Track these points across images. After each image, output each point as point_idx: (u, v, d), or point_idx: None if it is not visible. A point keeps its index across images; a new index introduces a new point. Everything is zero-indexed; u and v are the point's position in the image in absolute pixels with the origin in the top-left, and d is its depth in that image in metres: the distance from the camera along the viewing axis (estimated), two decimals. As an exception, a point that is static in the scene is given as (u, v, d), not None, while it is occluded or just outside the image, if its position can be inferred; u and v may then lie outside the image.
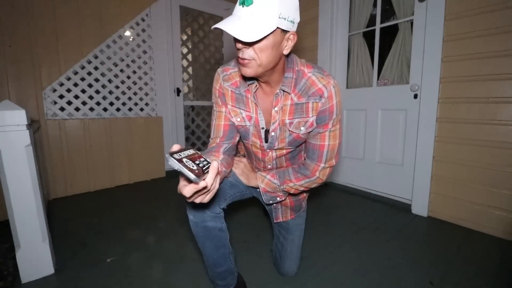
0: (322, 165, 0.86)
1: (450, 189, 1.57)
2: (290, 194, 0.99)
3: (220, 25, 0.63)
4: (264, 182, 0.92)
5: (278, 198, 0.94)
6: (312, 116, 0.82)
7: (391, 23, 1.91)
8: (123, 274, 1.12)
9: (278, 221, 1.06)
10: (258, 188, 0.94)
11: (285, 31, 0.68)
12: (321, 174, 0.87)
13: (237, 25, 0.62)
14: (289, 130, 0.85)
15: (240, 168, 0.97)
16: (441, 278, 1.08)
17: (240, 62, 0.71)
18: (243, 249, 1.31)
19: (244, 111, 0.87)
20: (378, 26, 1.95)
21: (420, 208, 1.70)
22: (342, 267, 1.16)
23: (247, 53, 0.68)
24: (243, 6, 0.64)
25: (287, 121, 0.84)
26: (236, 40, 0.66)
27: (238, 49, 0.69)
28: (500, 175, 1.38)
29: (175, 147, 0.54)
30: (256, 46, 0.67)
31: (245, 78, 0.83)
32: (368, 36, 2.06)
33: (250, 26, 0.62)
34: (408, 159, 1.84)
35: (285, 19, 0.65)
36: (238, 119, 0.89)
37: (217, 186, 0.60)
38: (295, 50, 0.80)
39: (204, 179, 0.53)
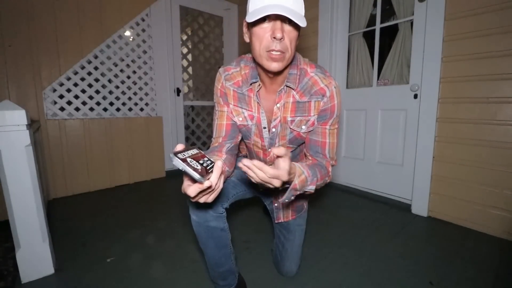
0: (330, 161, 0.87)
1: (450, 189, 1.57)
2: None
3: (271, 10, 0.62)
4: (300, 178, 0.72)
5: (293, 197, 0.76)
6: (314, 115, 0.82)
7: (391, 23, 1.91)
8: (123, 274, 1.12)
9: (279, 221, 1.06)
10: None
11: None
12: (331, 171, 0.87)
13: (287, 12, 0.62)
14: (290, 128, 0.85)
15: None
16: (441, 278, 1.08)
17: (272, 57, 0.69)
18: (244, 249, 1.31)
19: (247, 110, 0.87)
20: (378, 26, 1.95)
21: (420, 208, 1.70)
22: (342, 267, 1.16)
23: (284, 43, 0.68)
24: None
25: (289, 119, 0.84)
26: (277, 28, 0.65)
27: (275, 39, 0.66)
28: (500, 175, 1.38)
29: (179, 147, 0.54)
30: (290, 36, 0.69)
31: (246, 72, 0.84)
32: (368, 36, 2.06)
33: (296, 13, 0.64)
34: (408, 159, 1.84)
35: (304, 9, 0.69)
36: (240, 119, 0.89)
37: (221, 185, 0.60)
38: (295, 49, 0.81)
39: (208, 179, 0.53)
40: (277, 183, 0.60)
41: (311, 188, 0.76)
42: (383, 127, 2.00)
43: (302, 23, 0.64)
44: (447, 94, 1.54)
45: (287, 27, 0.68)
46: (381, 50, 1.97)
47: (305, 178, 0.73)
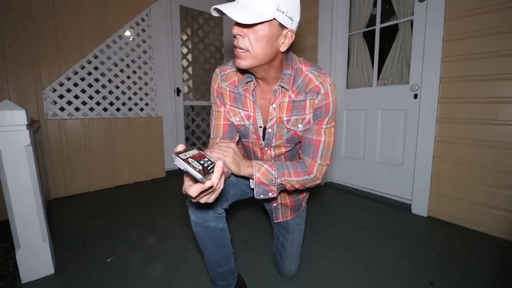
0: (319, 161, 0.84)
1: (450, 189, 1.57)
2: (288, 193, 0.98)
3: (218, 6, 0.65)
4: (260, 171, 0.81)
5: (270, 194, 0.84)
6: (309, 113, 0.82)
7: (391, 23, 1.91)
8: (123, 274, 1.12)
9: (278, 221, 1.06)
10: (250, 179, 0.84)
11: (282, 26, 0.69)
12: (318, 172, 0.85)
13: (235, 8, 0.65)
14: (287, 128, 0.85)
15: (230, 155, 0.80)
16: (441, 278, 1.08)
17: (235, 53, 0.72)
18: (243, 249, 1.31)
19: (243, 110, 0.87)
20: (378, 26, 1.95)
21: (420, 208, 1.70)
22: (342, 267, 1.16)
23: (242, 42, 0.69)
24: None
25: (285, 118, 0.84)
26: (235, 25, 0.68)
27: (234, 37, 0.70)
28: (500, 175, 1.38)
29: (180, 147, 0.54)
30: (252, 35, 0.68)
31: (242, 72, 0.84)
32: (368, 36, 2.06)
33: (247, 11, 0.64)
34: (408, 159, 1.84)
35: (283, 12, 0.66)
36: (237, 119, 0.89)
37: (222, 185, 0.60)
38: (295, 50, 0.80)
39: (210, 179, 0.53)
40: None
41: (281, 180, 0.82)
42: (383, 127, 2.00)
43: (245, 20, 0.62)
44: (447, 94, 1.54)
45: (247, 27, 0.67)
46: (381, 50, 1.97)
47: (265, 170, 0.81)
